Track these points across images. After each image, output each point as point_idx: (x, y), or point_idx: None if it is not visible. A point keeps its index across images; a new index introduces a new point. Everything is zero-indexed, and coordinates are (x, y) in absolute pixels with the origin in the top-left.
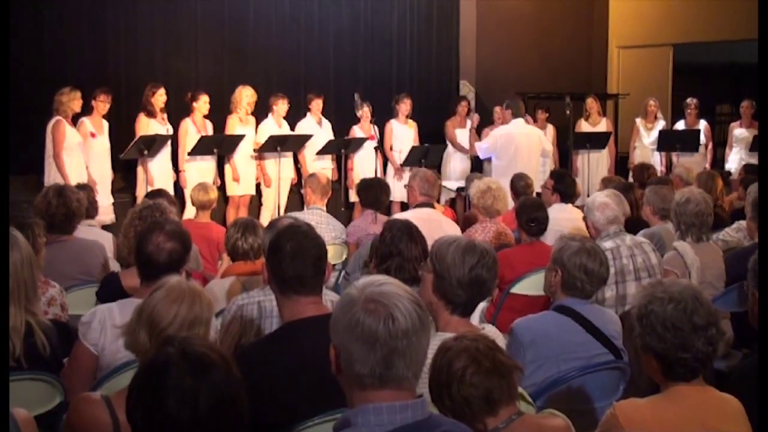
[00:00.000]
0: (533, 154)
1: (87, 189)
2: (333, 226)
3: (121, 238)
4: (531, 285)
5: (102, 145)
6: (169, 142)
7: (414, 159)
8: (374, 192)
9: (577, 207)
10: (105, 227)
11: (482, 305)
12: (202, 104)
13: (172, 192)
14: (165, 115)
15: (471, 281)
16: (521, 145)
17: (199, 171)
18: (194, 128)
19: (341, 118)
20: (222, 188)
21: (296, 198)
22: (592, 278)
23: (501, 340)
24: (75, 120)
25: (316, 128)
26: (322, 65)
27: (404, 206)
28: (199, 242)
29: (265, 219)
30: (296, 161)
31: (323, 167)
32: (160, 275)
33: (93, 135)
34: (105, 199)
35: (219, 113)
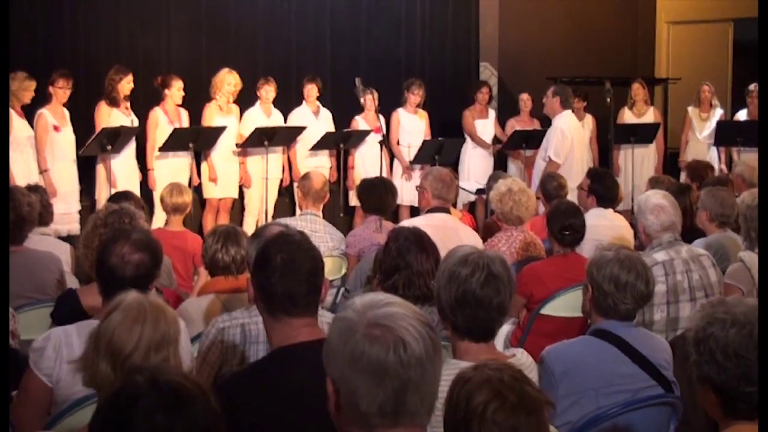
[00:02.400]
0: (585, 152)
1: (39, 191)
2: (330, 235)
3: (81, 248)
4: (565, 305)
5: (67, 139)
6: (135, 136)
7: (426, 155)
8: (378, 194)
9: (620, 212)
10: (67, 239)
11: (507, 328)
12: (175, 91)
13: (138, 194)
14: (128, 104)
15: (460, 300)
16: (576, 141)
17: (172, 170)
18: (165, 119)
19: (340, 108)
20: (198, 190)
21: (286, 202)
22: (625, 294)
23: (533, 369)
24: (28, 111)
25: (312, 119)
26: (317, 45)
27: (414, 211)
28: (171, 254)
29: (249, 226)
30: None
31: (319, 165)
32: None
33: (57, 128)
34: (73, 205)
35: (195, 101)
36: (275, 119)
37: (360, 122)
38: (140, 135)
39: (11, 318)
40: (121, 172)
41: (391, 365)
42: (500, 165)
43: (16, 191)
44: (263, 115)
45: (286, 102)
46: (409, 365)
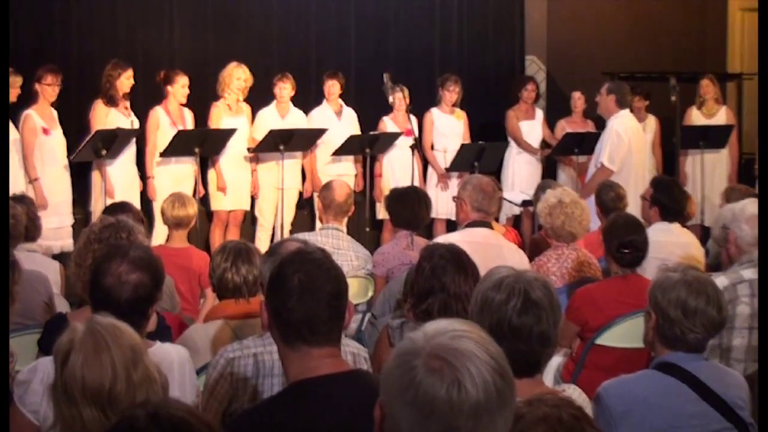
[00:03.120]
0: (646, 158)
1: (26, 202)
2: (355, 252)
3: (72, 267)
4: (624, 334)
5: (57, 143)
6: (135, 139)
7: (464, 161)
8: (410, 206)
9: (688, 227)
10: (58, 257)
11: (557, 360)
12: (179, 88)
13: (137, 205)
14: (128, 103)
15: (496, 330)
16: (634, 145)
17: (174, 177)
18: (168, 120)
19: (366, 107)
20: (205, 201)
21: (305, 215)
22: (694, 321)
23: (587, 408)
24: (12, 112)
25: (334, 120)
26: (340, 36)
27: (451, 225)
28: (174, 273)
29: (262, 243)
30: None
31: (342, 173)
32: (121, 317)
33: (46, 131)
34: (65, 217)
35: (201, 100)
36: (292, 120)
37: (388, 123)
38: (140, 138)
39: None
40: (118, 180)
41: (439, 404)
42: (549, 173)
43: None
44: (278, 115)
45: (305, 101)
46: (461, 412)
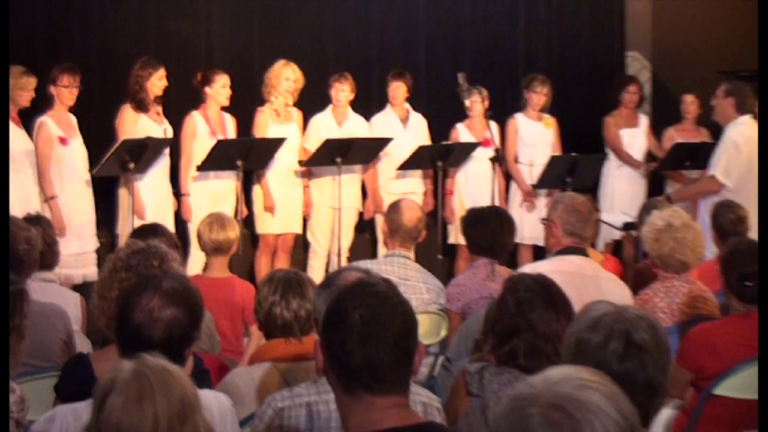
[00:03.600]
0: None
1: (42, 224)
2: (426, 284)
3: (95, 299)
4: (747, 383)
5: (77, 154)
6: (168, 150)
7: (554, 177)
8: (490, 230)
9: None
10: (79, 287)
11: (667, 413)
12: (219, 90)
13: (171, 228)
14: (160, 108)
15: None
16: (755, 158)
17: (213, 195)
18: (206, 128)
19: (437, 113)
20: (249, 223)
21: (366, 239)
22: None
23: None
24: (25, 118)
25: (399, 128)
26: (407, 31)
27: (539, 252)
28: (213, 308)
29: (316, 272)
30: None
31: (409, 191)
32: None
33: (63, 141)
34: (87, 242)
35: (244, 105)
36: (351, 128)
37: (463, 132)
38: (174, 149)
39: (18, 404)
40: (148, 198)
41: None
42: (656, 190)
43: (11, 223)
44: (334, 122)
45: (366, 105)
46: None
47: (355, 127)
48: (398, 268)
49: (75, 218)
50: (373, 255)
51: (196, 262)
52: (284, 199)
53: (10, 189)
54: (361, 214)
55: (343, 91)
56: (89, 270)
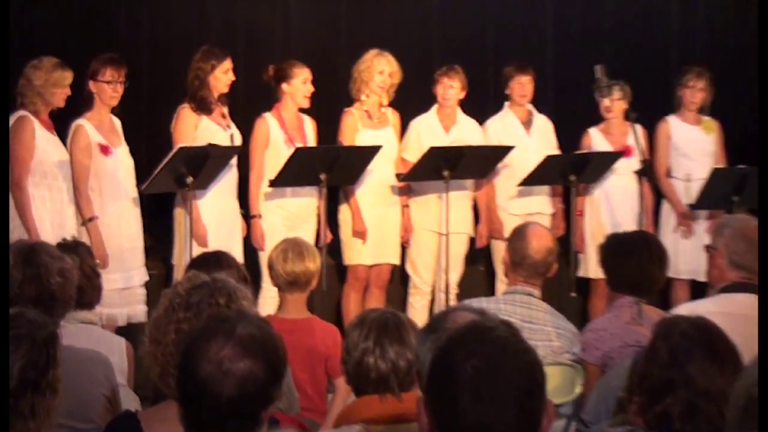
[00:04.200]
0: None
1: (80, 252)
2: (556, 328)
3: (147, 345)
4: None
5: (122, 166)
6: (235, 161)
7: (718, 195)
8: (636, 261)
9: None
10: (125, 330)
11: None
12: (299, 87)
13: (239, 257)
14: (227, 109)
15: None
16: None
17: (290, 217)
18: (281, 133)
19: (567, 114)
20: (334, 251)
21: (480, 273)
22: None
23: None
24: (59, 119)
25: (521, 133)
26: (530, 15)
27: (698, 289)
28: (289, 357)
29: (418, 313)
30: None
31: (534, 211)
32: (222, 424)
33: (105, 149)
34: (134, 274)
35: (328, 105)
36: (461, 134)
37: (597, 138)
38: (242, 159)
39: None
40: (211, 219)
41: None
42: None
43: (40, 252)
44: (440, 126)
45: (479, 106)
46: None
47: (466, 132)
48: (521, 308)
49: (119, 245)
50: (489, 292)
51: (268, 300)
52: (378, 222)
53: (41, 209)
54: (473, 241)
55: (452, 88)
56: (137, 309)
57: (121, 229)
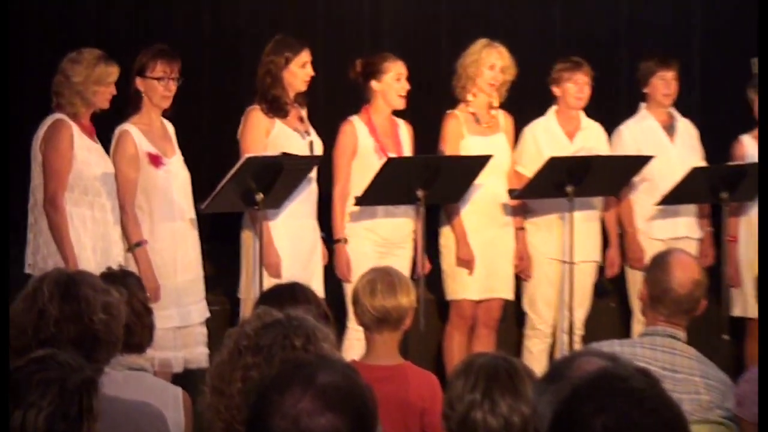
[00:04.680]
0: None
1: (129, 284)
2: (705, 378)
3: (207, 396)
4: None
5: (178, 180)
6: (315, 174)
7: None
8: None
9: None
10: (181, 378)
11: None
12: (392, 84)
13: (320, 290)
14: (305, 112)
15: None
16: None
17: (382, 240)
18: (371, 141)
19: (717, 115)
20: (434, 283)
21: (612, 309)
22: None
23: None
24: (103, 123)
25: (662, 139)
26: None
27: None
28: (380, 410)
29: (537, 358)
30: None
31: (679, 235)
32: None
33: (156, 160)
34: (192, 310)
35: (428, 106)
36: (586, 141)
37: (752, 147)
38: (323, 170)
39: None
40: (285, 245)
41: None
42: None
43: (81, 283)
44: (561, 132)
45: (610, 106)
46: None
47: (593, 139)
48: (662, 353)
49: (174, 275)
50: (622, 332)
51: (354, 342)
52: (487, 249)
53: (81, 231)
54: (601, 269)
55: (577, 83)
56: (196, 352)
57: (176, 255)
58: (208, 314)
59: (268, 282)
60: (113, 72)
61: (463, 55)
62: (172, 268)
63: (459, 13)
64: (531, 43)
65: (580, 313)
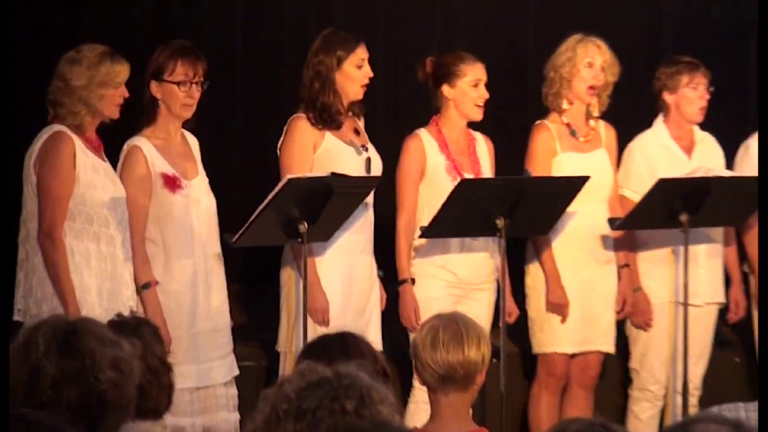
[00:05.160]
0: None
1: (145, 335)
2: None
3: None
4: None
5: (201, 205)
6: (372, 198)
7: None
8: None
9: None
10: None
11: None
12: (468, 91)
13: (377, 341)
14: (362, 121)
15: None
16: None
17: (458, 280)
18: (442, 159)
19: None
20: (517, 331)
21: (737, 364)
22: None
23: None
24: (113, 137)
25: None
26: None
27: None
28: None
29: (645, 425)
30: None
31: None
32: None
33: (173, 181)
34: (221, 366)
35: (510, 116)
36: (705, 157)
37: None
38: (384, 195)
39: None
40: (335, 286)
41: None
42: None
43: (85, 334)
44: (677, 147)
45: (733, 115)
46: None
47: (711, 155)
48: None
49: (192, 324)
50: (749, 393)
51: (421, 406)
52: (585, 291)
53: (84, 269)
54: (722, 312)
55: (695, 88)
56: (217, 419)
57: (196, 300)
58: (236, 371)
59: (314, 331)
60: (122, 71)
61: (553, 56)
62: (190, 315)
63: (549, 9)
64: (629, 38)
65: (698, 369)
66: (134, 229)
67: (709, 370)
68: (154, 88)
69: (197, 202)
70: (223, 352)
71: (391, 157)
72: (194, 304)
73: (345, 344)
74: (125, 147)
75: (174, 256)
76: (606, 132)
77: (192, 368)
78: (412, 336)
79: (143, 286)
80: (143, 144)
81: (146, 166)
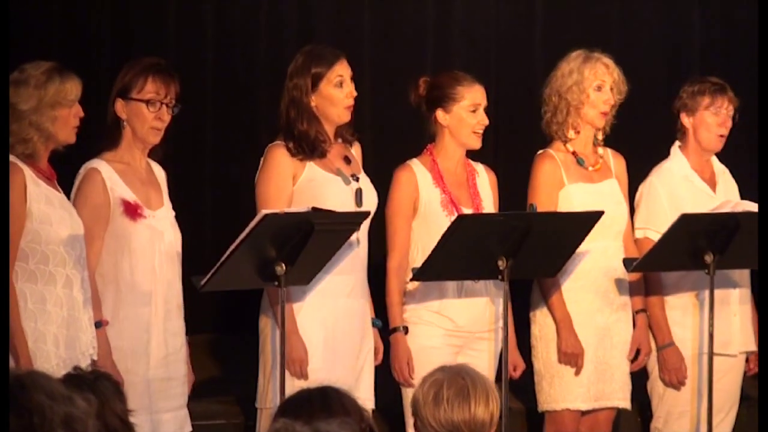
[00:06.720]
0: None
1: (100, 387)
2: None
3: None
4: None
5: (164, 240)
6: (361, 235)
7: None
8: None
9: None
10: None
11: None
12: (466, 116)
13: (368, 398)
14: (355, 148)
15: None
16: None
17: (452, 326)
18: (436, 192)
19: None
20: (522, 386)
21: None
22: None
23: None
24: (69, 161)
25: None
26: None
27: None
28: None
29: None
30: None
31: None
32: None
33: (134, 210)
34: (167, 421)
35: (515, 144)
36: (727, 190)
37: None
38: (375, 232)
39: None
40: (317, 335)
41: None
42: None
43: (34, 388)
44: (700, 180)
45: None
46: None
47: (732, 188)
48: None
49: (145, 369)
50: None
51: None
52: (598, 339)
53: (38, 315)
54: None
55: (716, 114)
56: None
57: (150, 342)
58: (188, 429)
59: (293, 386)
60: (73, 87)
61: (553, 77)
62: (143, 358)
63: (556, 25)
64: (643, 56)
65: (726, 424)
66: (87, 262)
67: (737, 424)
68: (120, 107)
69: (161, 235)
70: (175, 404)
71: (379, 190)
72: (148, 346)
73: (326, 400)
74: (81, 170)
75: (129, 292)
76: (615, 160)
77: (145, 418)
78: (405, 391)
79: (96, 325)
80: (102, 167)
81: (105, 191)
